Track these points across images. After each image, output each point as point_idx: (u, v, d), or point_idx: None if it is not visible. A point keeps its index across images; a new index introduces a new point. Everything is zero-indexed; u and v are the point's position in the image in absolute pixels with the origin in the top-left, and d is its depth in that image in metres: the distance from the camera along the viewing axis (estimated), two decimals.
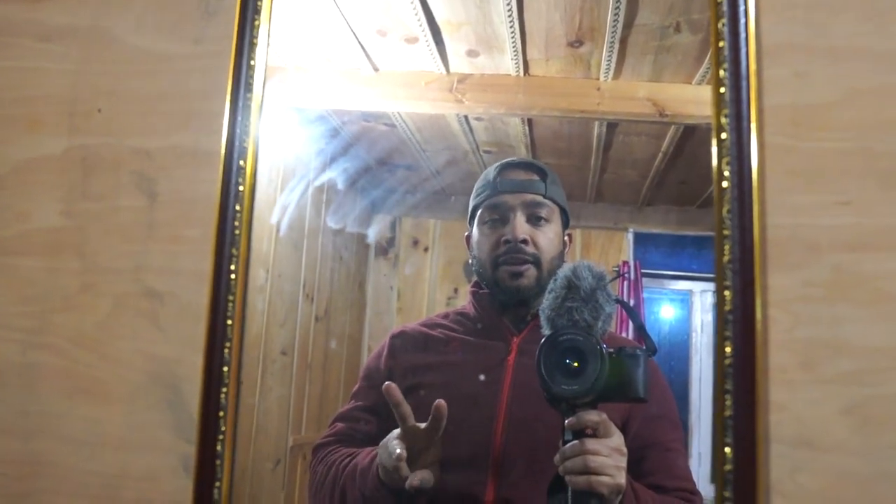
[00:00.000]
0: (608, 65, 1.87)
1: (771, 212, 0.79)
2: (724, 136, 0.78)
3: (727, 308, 0.76)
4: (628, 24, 1.67)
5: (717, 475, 0.75)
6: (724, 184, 0.77)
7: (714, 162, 0.79)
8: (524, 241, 1.18)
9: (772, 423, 0.76)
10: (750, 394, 0.74)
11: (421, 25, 1.70)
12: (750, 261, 0.76)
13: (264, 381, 1.94)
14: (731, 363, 0.75)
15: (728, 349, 0.75)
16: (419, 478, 1.03)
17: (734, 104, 0.78)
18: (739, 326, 0.75)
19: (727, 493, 0.74)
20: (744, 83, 0.78)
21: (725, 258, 0.76)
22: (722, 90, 0.78)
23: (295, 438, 2.14)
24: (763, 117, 0.80)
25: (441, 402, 1.01)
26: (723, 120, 0.78)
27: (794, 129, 0.80)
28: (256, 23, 0.90)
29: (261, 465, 1.78)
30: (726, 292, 0.76)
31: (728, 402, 0.74)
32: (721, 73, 0.79)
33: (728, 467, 0.74)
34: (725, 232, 0.76)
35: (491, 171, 1.24)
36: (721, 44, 0.79)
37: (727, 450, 0.74)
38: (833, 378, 0.76)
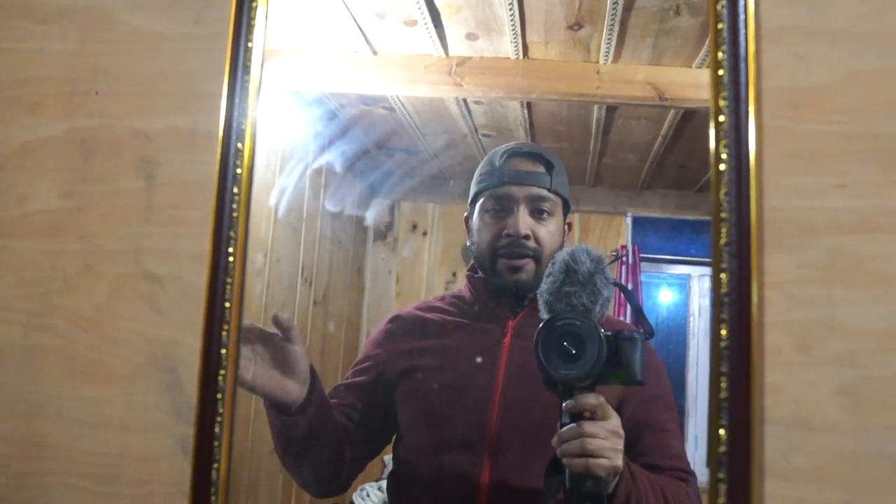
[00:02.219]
0: (608, 48, 1.86)
1: (768, 194, 0.79)
2: (721, 118, 0.78)
3: (723, 290, 0.76)
4: (628, 7, 1.66)
5: (711, 457, 0.75)
6: (722, 166, 0.77)
7: (711, 144, 0.79)
8: (526, 237, 1.18)
9: (767, 405, 0.77)
10: (745, 375, 0.75)
11: (420, 8, 1.69)
12: (746, 243, 0.76)
13: None
14: (726, 345, 0.75)
15: (724, 331, 0.75)
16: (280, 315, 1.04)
17: (732, 86, 0.78)
18: (735, 308, 0.75)
19: (721, 475, 0.74)
20: (742, 65, 0.78)
21: (722, 240, 0.76)
22: (720, 72, 0.78)
23: None
24: (761, 100, 0.79)
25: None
26: (721, 102, 0.78)
27: (792, 111, 0.80)
28: (254, 4, 0.89)
29: (259, 449, 1.79)
30: (722, 275, 0.76)
31: (723, 384, 0.75)
32: (720, 55, 0.79)
33: (722, 449, 0.74)
34: (722, 214, 0.77)
35: (497, 157, 1.23)
36: (720, 25, 0.79)
37: (721, 431, 0.75)
38: (828, 359, 0.77)
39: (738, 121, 0.77)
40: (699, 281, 2.15)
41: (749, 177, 0.77)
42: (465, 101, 2.19)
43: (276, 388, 1.04)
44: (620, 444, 0.94)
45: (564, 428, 0.94)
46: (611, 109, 2.14)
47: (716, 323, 0.76)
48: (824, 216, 0.79)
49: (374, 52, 1.98)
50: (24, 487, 0.96)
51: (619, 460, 0.93)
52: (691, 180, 2.29)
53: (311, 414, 1.07)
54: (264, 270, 2.01)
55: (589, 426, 0.92)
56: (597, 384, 0.96)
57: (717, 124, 0.78)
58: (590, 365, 0.93)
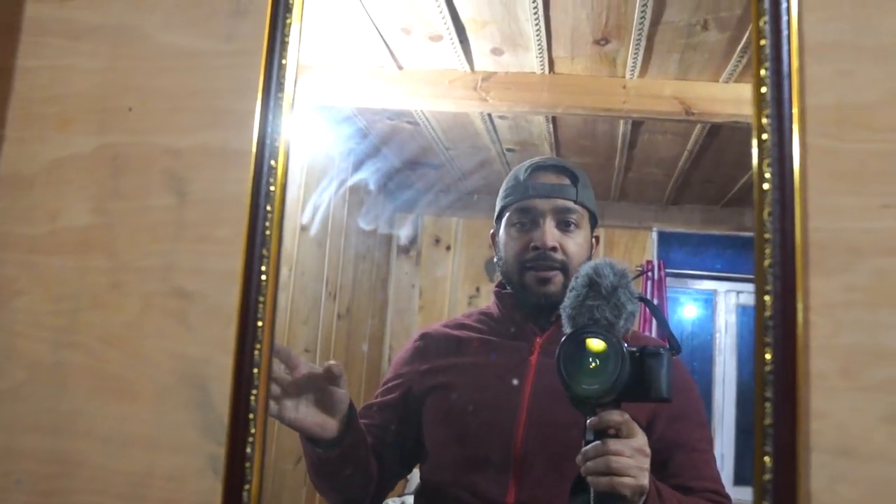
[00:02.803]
0: (634, 63, 1.85)
1: (813, 214, 0.77)
2: (764, 136, 0.76)
3: (767, 313, 0.74)
4: (655, 22, 1.65)
5: (755, 485, 0.73)
6: (765, 185, 0.75)
7: (755, 163, 0.77)
8: (553, 249, 1.16)
9: (812, 432, 0.74)
10: (790, 401, 0.73)
11: (445, 23, 1.69)
12: (791, 265, 0.74)
13: None
14: (770, 370, 0.73)
15: (768, 355, 0.73)
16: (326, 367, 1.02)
17: (775, 104, 0.76)
18: (780, 332, 0.73)
19: None
20: (785, 82, 0.76)
21: (766, 262, 0.74)
22: (763, 89, 0.76)
23: None
24: (805, 117, 0.78)
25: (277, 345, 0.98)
26: (763, 120, 0.76)
27: (837, 129, 0.78)
28: (288, 21, 0.89)
29: (282, 463, 1.78)
30: (766, 297, 0.74)
31: (768, 410, 0.73)
32: (762, 72, 0.77)
33: (767, 477, 0.72)
34: (766, 235, 0.75)
35: (521, 172, 1.22)
36: (762, 42, 0.77)
37: (766, 458, 0.73)
38: (875, 385, 0.74)
39: (781, 139, 0.75)
40: (725, 296, 2.13)
41: (793, 196, 0.75)
42: (489, 115, 2.18)
43: (314, 425, 1.04)
44: (646, 463, 0.92)
45: (589, 445, 0.92)
46: (636, 124, 2.12)
47: (759, 346, 0.74)
48: (870, 237, 0.76)
49: (400, 67, 1.98)
50: None
51: (644, 479, 0.91)
52: (717, 195, 2.27)
53: (344, 447, 1.07)
54: (289, 284, 2.01)
55: (614, 444, 0.90)
56: (621, 400, 0.94)
57: (761, 142, 0.76)
58: (612, 380, 0.92)
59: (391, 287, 2.62)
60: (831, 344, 0.75)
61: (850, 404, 0.75)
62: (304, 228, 2.13)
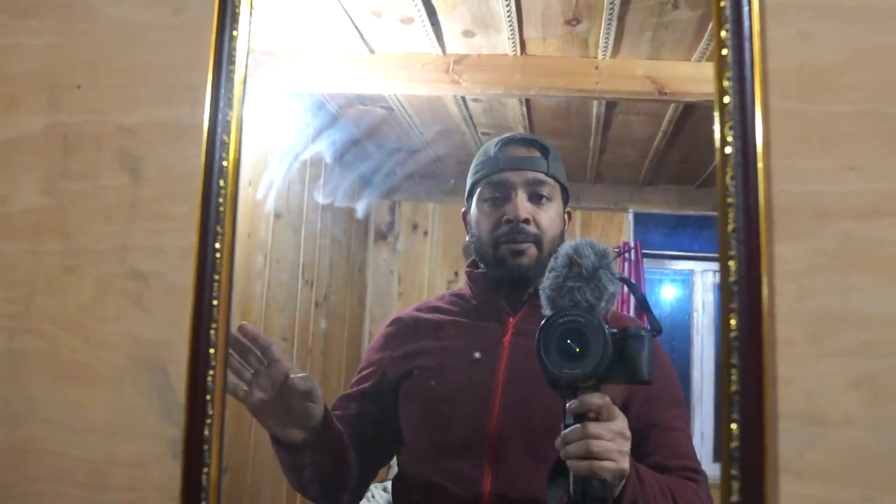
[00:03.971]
0: (606, 43, 1.84)
1: (777, 178, 0.75)
2: (726, 99, 0.74)
3: (732, 279, 0.72)
4: (626, 1, 1.64)
5: (723, 453, 0.72)
6: (728, 149, 0.74)
7: (717, 127, 0.75)
8: (526, 221, 1.15)
9: (779, 398, 0.73)
10: (756, 368, 0.71)
11: (416, 5, 1.67)
12: (755, 229, 0.72)
13: None
14: (736, 336, 0.72)
15: (733, 322, 0.72)
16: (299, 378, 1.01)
17: (737, 66, 0.74)
18: (745, 298, 0.72)
19: (734, 471, 0.71)
20: (747, 44, 0.75)
21: (730, 227, 0.73)
22: (724, 52, 0.75)
23: None
24: (767, 80, 0.76)
25: (241, 323, 0.97)
26: (725, 83, 0.75)
27: (800, 91, 0.76)
28: None
29: (262, 454, 1.76)
30: (731, 262, 0.73)
31: (734, 377, 0.71)
32: (723, 33, 0.75)
33: (734, 444, 0.71)
34: (729, 200, 0.73)
35: (491, 147, 1.21)
36: (722, 3, 0.76)
37: (733, 426, 0.71)
38: (842, 350, 0.73)
39: (743, 102, 0.74)
40: (702, 276, 2.14)
41: (756, 160, 0.74)
42: (463, 98, 2.17)
43: (280, 430, 1.04)
44: (627, 446, 0.91)
45: (568, 429, 0.90)
46: (610, 105, 2.12)
47: (724, 313, 0.72)
48: (836, 200, 0.75)
49: (371, 51, 1.96)
50: (9, 497, 0.93)
51: (625, 463, 0.90)
52: (692, 175, 2.27)
53: (314, 451, 1.06)
54: (264, 272, 1.98)
55: (594, 427, 0.89)
56: (602, 383, 0.93)
57: (722, 106, 0.75)
58: (594, 363, 0.90)
59: (369, 273, 2.61)
60: (797, 309, 0.74)
61: (817, 370, 0.73)
62: (277, 216, 2.10)
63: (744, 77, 0.74)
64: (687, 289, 2.20)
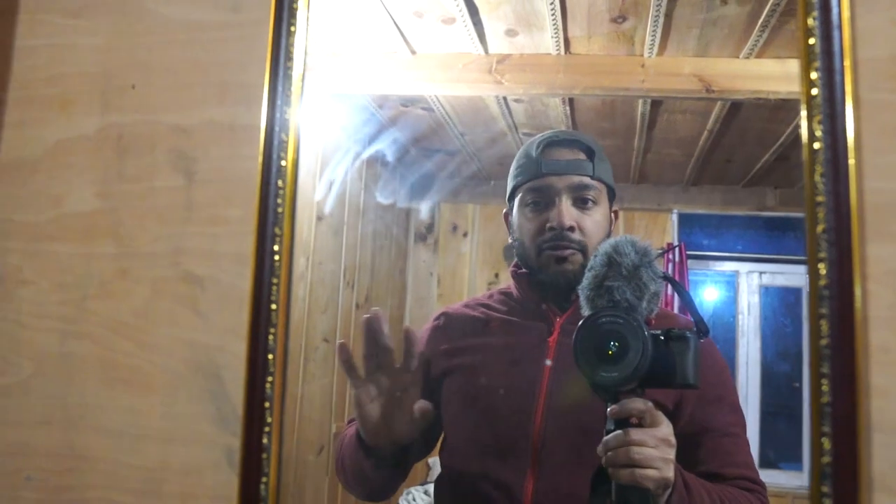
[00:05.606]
0: (652, 40, 1.80)
1: (868, 175, 0.71)
2: (814, 91, 0.70)
3: (822, 283, 0.68)
4: None
5: (813, 468, 0.67)
6: (816, 145, 0.69)
7: (804, 121, 0.71)
8: (570, 229, 1.10)
9: (873, 410, 0.69)
10: (849, 377, 0.67)
11: (458, 5, 1.65)
12: (847, 229, 0.68)
13: (307, 369, 1.92)
14: (827, 343, 0.67)
15: (824, 328, 0.67)
16: (418, 408, 0.98)
17: (825, 56, 0.70)
18: (836, 303, 0.68)
19: (825, 489, 0.66)
20: (836, 33, 0.70)
21: (819, 227, 0.68)
22: (811, 41, 0.70)
23: (338, 426, 2.12)
24: (858, 70, 0.72)
25: (408, 327, 0.99)
26: (813, 75, 0.70)
27: (893, 83, 0.72)
28: None
29: (304, 454, 1.75)
30: (820, 265, 0.68)
31: (825, 387, 0.67)
32: (810, 21, 0.71)
33: (826, 459, 0.67)
34: (819, 199, 0.69)
35: (532, 148, 1.16)
36: None
37: (824, 440, 0.67)
38: None
39: (832, 94, 0.70)
40: (747, 277, 2.09)
41: (847, 156, 0.69)
42: (505, 99, 2.14)
43: (386, 441, 1.03)
44: (671, 454, 0.87)
45: (610, 435, 0.86)
46: (655, 104, 2.08)
47: (813, 318, 0.68)
48: None
49: (413, 52, 1.94)
50: (63, 502, 0.91)
51: (669, 472, 0.86)
52: (738, 175, 2.22)
53: (393, 467, 1.06)
54: (307, 273, 1.98)
55: (636, 434, 0.85)
56: (644, 387, 0.89)
57: (810, 98, 0.70)
58: (632, 367, 0.86)
59: (409, 275, 2.60)
60: (893, 315, 0.69)
61: None
62: (319, 218, 2.10)
63: (832, 69, 0.70)
64: (732, 290, 2.16)
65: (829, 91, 0.70)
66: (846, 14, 0.71)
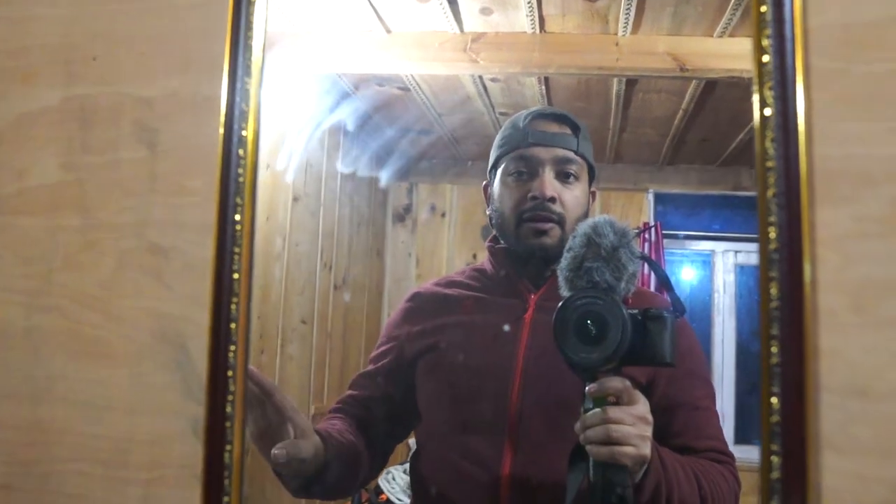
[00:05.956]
0: (626, 18, 1.81)
1: (819, 141, 0.72)
2: (765, 58, 0.71)
3: (772, 246, 0.69)
4: None
5: (763, 428, 0.69)
6: (767, 111, 0.71)
7: (755, 87, 0.72)
8: (552, 199, 1.11)
9: (822, 371, 0.70)
10: (798, 339, 0.68)
11: None
12: (797, 194, 0.69)
13: (284, 350, 1.92)
14: (777, 306, 0.69)
15: (774, 291, 0.69)
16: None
17: (776, 23, 0.71)
18: (786, 266, 0.69)
19: (775, 447, 0.68)
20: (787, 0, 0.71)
21: (769, 192, 0.70)
22: (763, 8, 0.71)
23: (317, 406, 2.13)
24: (809, 37, 0.72)
25: (251, 369, 0.90)
26: (764, 42, 0.71)
27: (843, 49, 0.73)
28: None
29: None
30: (770, 229, 0.69)
31: (774, 349, 0.69)
32: None
33: (775, 419, 0.68)
34: (769, 164, 0.70)
35: (520, 120, 1.17)
36: None
37: (773, 400, 0.69)
38: (888, 320, 0.70)
39: (783, 61, 0.70)
40: (723, 256, 2.11)
41: (797, 122, 0.70)
42: (481, 78, 2.14)
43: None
44: (648, 431, 0.88)
45: (588, 413, 0.88)
46: (630, 83, 2.09)
47: (764, 282, 0.69)
48: (881, 164, 0.71)
49: (388, 31, 1.93)
50: (31, 475, 0.92)
51: (646, 449, 0.87)
52: (713, 154, 2.24)
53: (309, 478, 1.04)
54: (283, 255, 1.97)
55: (614, 412, 0.87)
56: (622, 366, 0.90)
57: (761, 65, 0.71)
58: (612, 348, 0.87)
59: (388, 256, 2.60)
60: (841, 278, 0.71)
61: (861, 341, 0.70)
62: (296, 199, 2.09)
63: (784, 35, 0.71)
64: (707, 270, 2.18)
65: (780, 58, 0.71)
66: None
